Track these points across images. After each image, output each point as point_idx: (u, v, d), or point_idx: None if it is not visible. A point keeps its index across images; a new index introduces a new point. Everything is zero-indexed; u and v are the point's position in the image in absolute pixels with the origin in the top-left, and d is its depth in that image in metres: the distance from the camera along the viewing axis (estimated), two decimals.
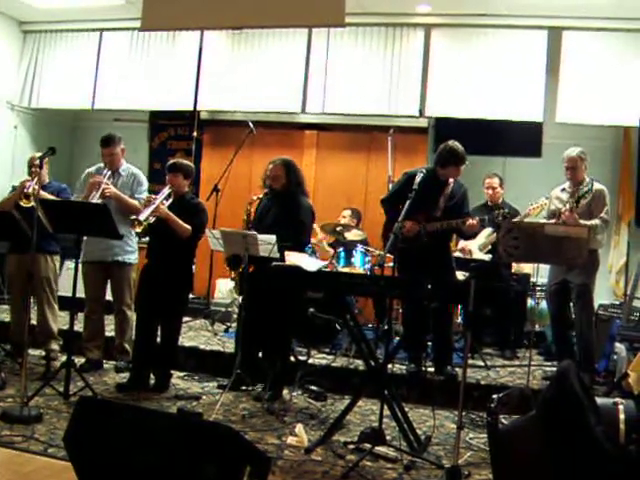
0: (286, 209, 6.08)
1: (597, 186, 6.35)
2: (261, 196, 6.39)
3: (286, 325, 6.23)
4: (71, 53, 9.99)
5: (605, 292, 8.41)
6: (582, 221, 6.14)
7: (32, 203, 5.91)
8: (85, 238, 6.24)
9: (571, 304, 6.54)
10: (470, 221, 6.07)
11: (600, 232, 6.36)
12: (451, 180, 6.30)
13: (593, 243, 6.21)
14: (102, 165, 6.52)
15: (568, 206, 6.21)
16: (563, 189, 6.56)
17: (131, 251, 6.56)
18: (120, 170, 6.59)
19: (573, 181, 6.44)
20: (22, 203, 6.07)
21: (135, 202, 6.36)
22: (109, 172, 6.40)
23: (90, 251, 6.50)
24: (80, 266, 6.11)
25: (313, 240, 7.73)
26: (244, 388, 6.06)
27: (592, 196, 6.30)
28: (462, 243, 7.52)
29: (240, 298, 6.60)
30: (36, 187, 5.91)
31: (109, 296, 6.74)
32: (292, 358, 6.46)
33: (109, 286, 6.70)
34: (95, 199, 6.07)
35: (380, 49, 8.97)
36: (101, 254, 6.43)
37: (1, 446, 4.38)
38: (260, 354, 6.20)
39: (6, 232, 5.94)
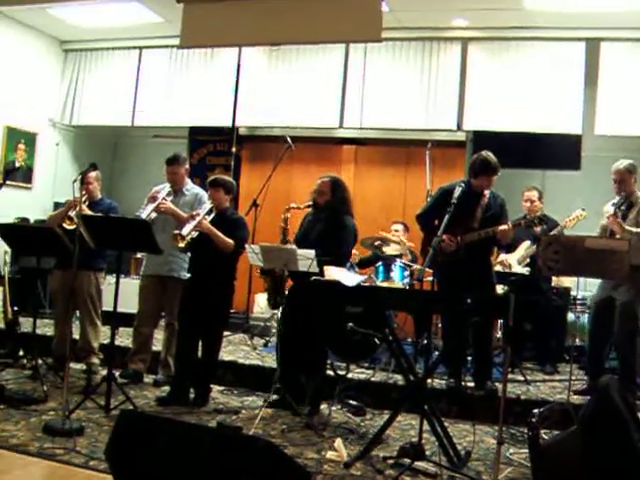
0: (330, 226, 6.08)
1: None
2: (308, 208, 6.36)
3: (323, 339, 6.24)
4: (111, 71, 10.17)
5: None
6: (627, 227, 6.06)
7: (75, 225, 5.98)
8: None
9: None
10: (502, 227, 6.01)
11: None
12: (487, 191, 6.27)
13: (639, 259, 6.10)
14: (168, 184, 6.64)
15: (612, 211, 6.13)
16: (613, 204, 6.46)
17: (187, 267, 6.61)
18: (184, 189, 6.71)
19: (620, 194, 6.33)
20: (65, 225, 6.16)
21: None
22: (169, 189, 6.50)
23: (148, 265, 6.69)
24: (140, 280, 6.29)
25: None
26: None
27: (639, 208, 6.21)
28: (502, 257, 7.47)
29: (278, 312, 6.61)
30: (85, 207, 5.99)
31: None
32: (331, 373, 6.45)
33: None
34: (148, 211, 6.15)
35: (417, 63, 8.99)
36: (158, 268, 6.57)
37: (43, 458, 4.42)
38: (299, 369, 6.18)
39: (51, 248, 6.04)
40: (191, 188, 6.80)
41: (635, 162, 6.42)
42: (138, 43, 9.96)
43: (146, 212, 6.14)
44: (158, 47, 9.89)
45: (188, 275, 6.55)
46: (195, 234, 5.89)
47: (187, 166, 6.83)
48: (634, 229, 6.06)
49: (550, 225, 7.06)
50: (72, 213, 6.13)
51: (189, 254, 6.45)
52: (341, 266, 6.23)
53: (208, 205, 6.07)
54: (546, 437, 4.86)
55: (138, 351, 6.69)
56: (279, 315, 6.36)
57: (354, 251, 8.09)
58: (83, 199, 5.96)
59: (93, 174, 6.29)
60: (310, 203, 6.22)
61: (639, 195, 6.27)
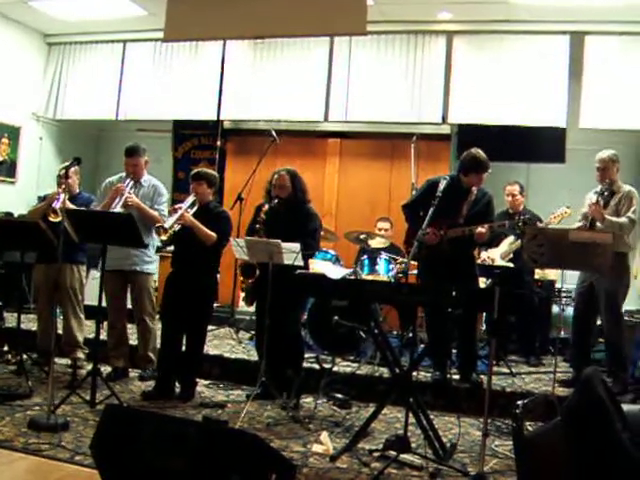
0: (295, 218, 6.12)
1: (626, 187, 6.30)
2: (271, 204, 6.38)
3: (297, 331, 6.27)
4: (95, 64, 10.12)
5: (631, 298, 8.33)
6: (608, 216, 6.10)
7: (60, 218, 5.93)
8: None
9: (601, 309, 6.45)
10: (480, 229, 6.04)
11: (627, 231, 6.22)
12: (474, 187, 6.28)
13: (621, 246, 6.15)
14: (124, 175, 6.56)
15: (594, 199, 6.17)
16: (596, 192, 6.49)
17: (149, 261, 6.59)
18: (142, 181, 6.62)
19: (603, 183, 6.37)
20: (50, 218, 6.10)
21: (155, 213, 6.40)
22: (132, 182, 6.44)
23: (109, 260, 6.45)
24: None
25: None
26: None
27: (620, 197, 6.25)
28: (484, 254, 7.50)
29: (252, 308, 6.66)
30: (67, 201, 5.96)
31: (130, 305, 6.77)
32: (317, 366, 6.47)
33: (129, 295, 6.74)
34: (118, 207, 6.12)
35: (402, 56, 8.99)
36: (119, 263, 6.42)
37: (29, 454, 4.41)
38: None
39: (33, 242, 6.00)
40: (148, 179, 6.69)
41: (618, 155, 6.45)
42: (122, 36, 9.91)
43: (117, 207, 6.11)
44: (142, 40, 9.84)
45: (152, 268, 6.64)
46: (177, 227, 5.89)
47: (146, 157, 6.69)
48: (614, 218, 6.11)
49: (532, 220, 7.09)
50: (57, 205, 6.09)
51: (152, 249, 6.51)
52: (315, 253, 6.29)
53: (191, 198, 6.06)
54: (531, 429, 4.89)
55: (116, 346, 6.63)
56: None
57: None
58: (63, 197, 5.94)
59: (72, 168, 6.23)
60: (276, 200, 6.22)
61: (621, 185, 6.33)
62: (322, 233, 6.76)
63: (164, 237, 5.84)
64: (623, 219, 6.14)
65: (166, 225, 5.81)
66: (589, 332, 6.55)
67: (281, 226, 6.06)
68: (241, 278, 6.42)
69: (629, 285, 6.44)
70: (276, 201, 6.18)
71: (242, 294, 6.76)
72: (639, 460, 3.08)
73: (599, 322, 6.63)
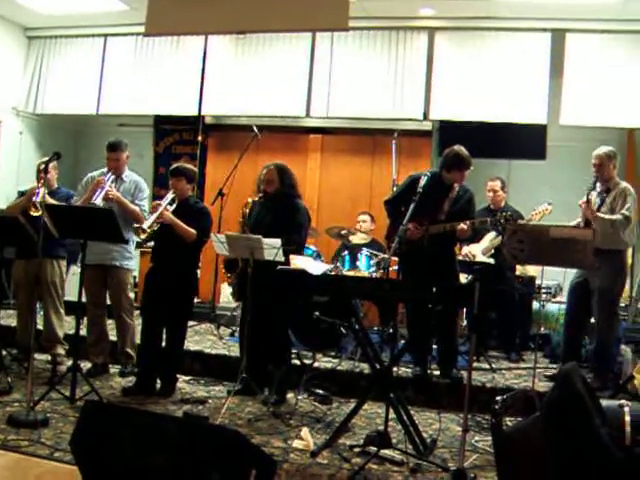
0: (282, 212, 6.10)
1: (622, 184, 6.31)
2: (256, 199, 6.38)
3: (285, 327, 6.26)
4: (76, 58, 10.04)
5: None
6: (601, 215, 6.09)
7: (40, 212, 5.89)
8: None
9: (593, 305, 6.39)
10: (461, 225, 6.06)
11: (621, 228, 6.12)
12: (456, 184, 6.30)
13: (617, 243, 6.14)
14: (105, 170, 6.53)
15: (585, 198, 6.18)
16: (594, 190, 6.47)
17: (129, 257, 6.57)
18: (123, 176, 6.60)
19: (600, 179, 6.34)
20: (31, 212, 6.08)
21: (136, 208, 6.39)
22: (113, 176, 6.42)
23: (89, 254, 6.19)
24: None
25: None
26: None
27: (615, 194, 6.25)
28: (465, 249, 7.51)
29: (238, 304, 6.63)
30: (46, 195, 5.91)
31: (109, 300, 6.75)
32: (298, 362, 6.47)
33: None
34: (98, 200, 6.09)
35: (384, 52, 8.98)
36: (100, 258, 6.40)
37: (8, 450, 4.38)
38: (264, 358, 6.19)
39: (12, 237, 5.96)
40: (129, 175, 6.68)
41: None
42: (103, 31, 9.84)
43: (97, 199, 6.09)
44: (123, 35, 9.78)
45: (132, 264, 6.64)
46: (157, 226, 5.88)
47: (128, 153, 6.67)
48: (607, 216, 6.10)
49: (514, 216, 7.11)
50: (37, 199, 6.05)
51: (132, 245, 6.54)
52: (302, 249, 6.28)
53: (170, 195, 6.04)
54: (510, 424, 4.91)
55: (96, 342, 6.61)
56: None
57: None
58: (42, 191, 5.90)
59: (51, 163, 6.18)
60: (261, 195, 6.22)
61: (618, 181, 6.32)
62: None
63: (143, 237, 5.85)
64: (616, 216, 6.10)
65: (144, 226, 5.82)
66: (582, 329, 6.53)
67: (267, 220, 6.06)
68: (225, 272, 6.41)
69: (625, 283, 6.46)
70: (260, 195, 6.18)
71: (230, 289, 6.73)
72: (617, 455, 3.11)
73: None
